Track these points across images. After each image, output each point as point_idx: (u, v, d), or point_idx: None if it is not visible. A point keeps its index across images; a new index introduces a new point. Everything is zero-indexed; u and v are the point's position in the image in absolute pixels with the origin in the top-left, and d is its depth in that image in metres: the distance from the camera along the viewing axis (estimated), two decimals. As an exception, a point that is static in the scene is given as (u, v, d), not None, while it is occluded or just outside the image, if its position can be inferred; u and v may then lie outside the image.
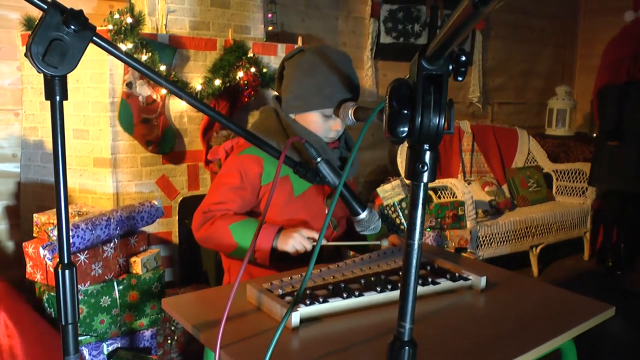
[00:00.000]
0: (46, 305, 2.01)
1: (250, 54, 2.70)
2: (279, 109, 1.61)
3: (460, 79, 0.61)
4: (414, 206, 0.63)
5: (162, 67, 2.40)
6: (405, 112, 0.59)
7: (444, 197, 3.58)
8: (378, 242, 1.55)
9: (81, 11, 0.81)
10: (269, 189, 1.56)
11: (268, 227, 1.47)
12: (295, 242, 1.44)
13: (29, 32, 2.46)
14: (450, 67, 0.60)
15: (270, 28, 3.16)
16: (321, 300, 1.16)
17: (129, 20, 2.30)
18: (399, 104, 0.60)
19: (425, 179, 0.62)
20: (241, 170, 1.55)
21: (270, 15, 3.18)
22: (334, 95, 1.51)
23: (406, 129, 0.60)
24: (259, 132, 1.55)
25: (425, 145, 0.61)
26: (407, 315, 0.64)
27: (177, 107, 2.57)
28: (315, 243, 1.44)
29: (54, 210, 2.29)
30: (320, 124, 1.56)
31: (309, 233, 1.46)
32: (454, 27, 0.46)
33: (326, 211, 1.61)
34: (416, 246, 0.64)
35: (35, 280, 2.06)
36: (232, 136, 1.83)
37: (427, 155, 0.61)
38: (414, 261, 0.64)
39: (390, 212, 3.29)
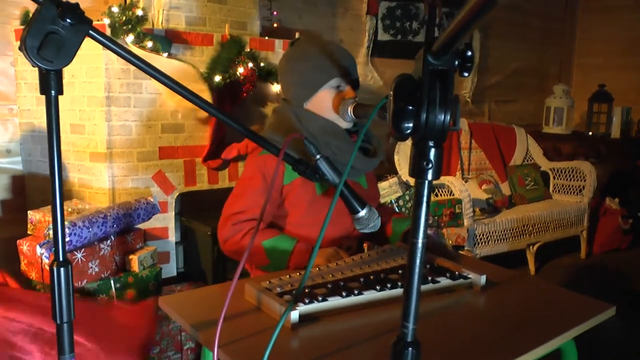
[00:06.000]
0: (41, 302, 1.99)
1: (247, 50, 2.69)
2: (290, 106, 1.60)
3: (466, 74, 0.59)
4: (419, 204, 0.62)
5: (165, 55, 2.39)
6: (411, 108, 0.58)
7: (441, 195, 3.57)
8: None
9: (77, 4, 0.79)
10: (292, 188, 1.53)
11: (303, 249, 1.45)
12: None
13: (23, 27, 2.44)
14: (456, 63, 0.59)
15: (275, 25, 3.17)
16: (320, 298, 1.14)
17: (139, 13, 2.31)
18: (404, 99, 0.58)
19: (430, 176, 0.60)
20: (264, 171, 1.52)
21: (275, 12, 3.19)
22: (333, 65, 1.54)
23: (411, 125, 0.59)
24: (279, 132, 1.54)
25: (430, 142, 0.60)
26: (411, 315, 0.63)
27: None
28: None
29: (49, 207, 2.26)
30: (334, 98, 1.55)
31: (344, 254, 1.44)
32: (465, 19, 0.45)
33: None
34: (420, 245, 0.62)
35: (30, 278, 2.04)
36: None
37: (432, 152, 0.60)
38: (418, 260, 0.62)
39: (387, 209, 3.28)
